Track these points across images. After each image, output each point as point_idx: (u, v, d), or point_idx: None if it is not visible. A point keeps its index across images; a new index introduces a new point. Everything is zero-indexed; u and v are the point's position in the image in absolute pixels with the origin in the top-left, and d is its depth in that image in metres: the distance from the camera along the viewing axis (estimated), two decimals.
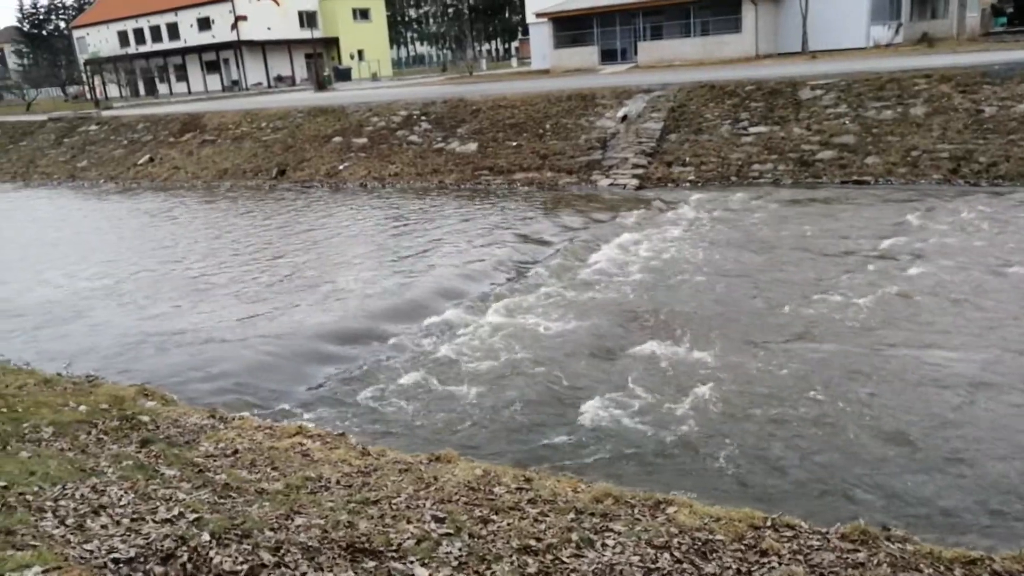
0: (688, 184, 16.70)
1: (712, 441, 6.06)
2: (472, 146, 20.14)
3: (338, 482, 4.81)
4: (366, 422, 6.82)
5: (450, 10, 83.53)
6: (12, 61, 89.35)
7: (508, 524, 4.06)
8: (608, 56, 35.58)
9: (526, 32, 49.33)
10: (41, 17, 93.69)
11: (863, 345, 7.73)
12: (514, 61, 59.39)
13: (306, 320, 9.41)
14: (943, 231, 11.63)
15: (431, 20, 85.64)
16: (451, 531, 3.97)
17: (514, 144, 19.69)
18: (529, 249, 12.38)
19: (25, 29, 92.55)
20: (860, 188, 15.12)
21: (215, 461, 5.16)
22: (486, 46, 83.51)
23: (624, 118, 19.14)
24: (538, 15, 37.43)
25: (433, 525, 4.04)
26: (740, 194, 15.32)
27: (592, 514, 4.19)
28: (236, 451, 5.39)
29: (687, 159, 17.42)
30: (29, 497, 3.87)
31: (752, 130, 17.51)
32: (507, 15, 77.51)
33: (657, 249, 11.87)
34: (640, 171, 17.41)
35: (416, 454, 5.43)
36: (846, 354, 7.53)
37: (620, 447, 6.08)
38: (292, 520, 4.09)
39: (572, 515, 4.17)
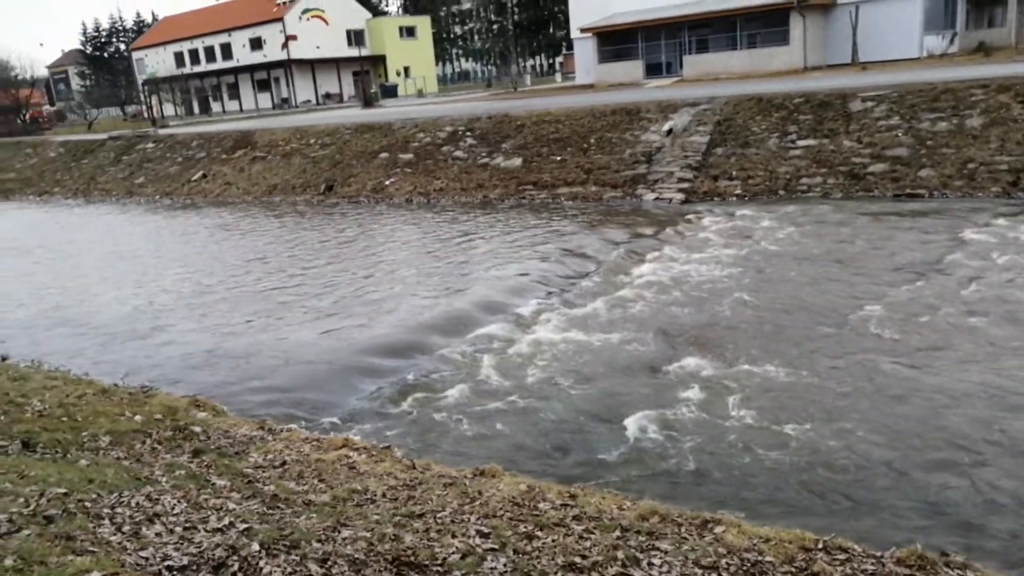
0: (735, 198, 16.51)
1: (760, 460, 5.95)
2: (516, 161, 20.24)
3: (384, 495, 4.84)
4: (411, 435, 6.86)
5: (495, 27, 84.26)
6: (75, 82, 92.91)
7: (553, 540, 4.04)
8: (653, 70, 35.47)
9: (570, 47, 49.51)
10: (103, 40, 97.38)
11: (915, 364, 7.52)
12: (558, 76, 59.61)
13: (352, 333, 9.53)
14: (1001, 247, 11.27)
15: (476, 37, 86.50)
16: (496, 546, 3.96)
17: (558, 159, 19.73)
18: (573, 263, 12.37)
19: (88, 52, 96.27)
20: (914, 201, 14.75)
21: (264, 472, 5.25)
22: (530, 62, 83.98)
23: (670, 132, 19.04)
24: (582, 30, 37.54)
25: (478, 540, 4.04)
26: (788, 208, 15.08)
27: (638, 532, 4.14)
28: (284, 463, 5.47)
29: (734, 173, 17.23)
30: (88, 504, 3.98)
31: (800, 143, 17.25)
32: (551, 31, 77.88)
33: (703, 264, 11.74)
34: (686, 185, 17.28)
35: (461, 468, 5.44)
36: (897, 373, 7.33)
37: (666, 464, 6.01)
38: (339, 532, 4.13)
39: (618, 532, 4.13)
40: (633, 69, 35.65)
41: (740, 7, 31.96)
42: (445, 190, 20.27)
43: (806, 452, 6.01)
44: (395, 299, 10.99)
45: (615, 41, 36.40)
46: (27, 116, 61.07)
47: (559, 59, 74.27)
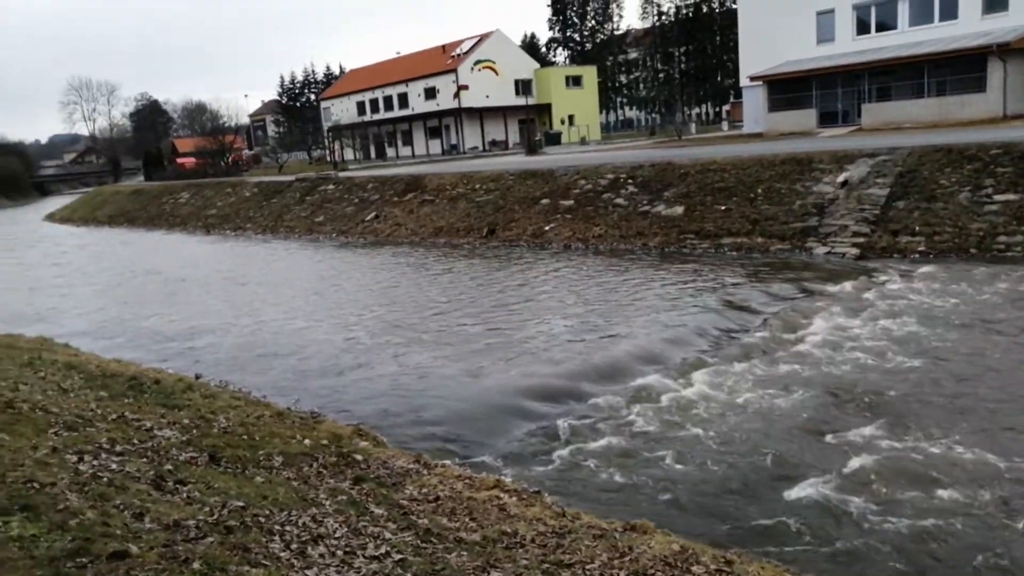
0: (917, 255, 15.30)
1: (941, 543, 5.37)
2: (678, 209, 19.95)
3: (533, 540, 4.82)
4: (561, 481, 6.81)
5: (661, 75, 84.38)
6: (271, 129, 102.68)
7: None
8: (827, 119, 33.95)
9: (738, 95, 48.53)
10: (297, 91, 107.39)
11: None
12: (724, 124, 58.51)
13: (507, 374, 9.67)
14: None
15: (641, 85, 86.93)
16: None
17: (722, 208, 19.24)
18: (736, 317, 11.92)
19: (283, 102, 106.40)
20: None
21: (418, 505, 5.39)
22: (696, 110, 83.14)
23: (844, 183, 18.06)
24: (752, 78, 36.71)
25: None
26: (981, 269, 13.76)
27: None
28: (438, 498, 5.60)
29: (917, 228, 16.00)
30: (262, 519, 4.26)
31: (998, 198, 15.76)
32: (719, 79, 76.88)
33: (879, 325, 10.92)
34: (861, 240, 16.25)
35: (611, 521, 5.33)
36: None
37: (831, 539, 5.56)
38: (488, 573, 4.15)
39: None
40: (805, 118, 34.30)
41: (928, 53, 30.00)
42: (604, 237, 20.31)
43: (995, 539, 5.35)
44: (550, 343, 11.06)
45: (787, 89, 35.27)
46: (230, 159, 68.10)
47: (726, 107, 73.00)
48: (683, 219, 19.54)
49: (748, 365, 9.54)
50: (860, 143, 21.57)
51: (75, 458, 4.69)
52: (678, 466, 6.93)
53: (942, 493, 6.05)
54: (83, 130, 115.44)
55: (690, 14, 79.96)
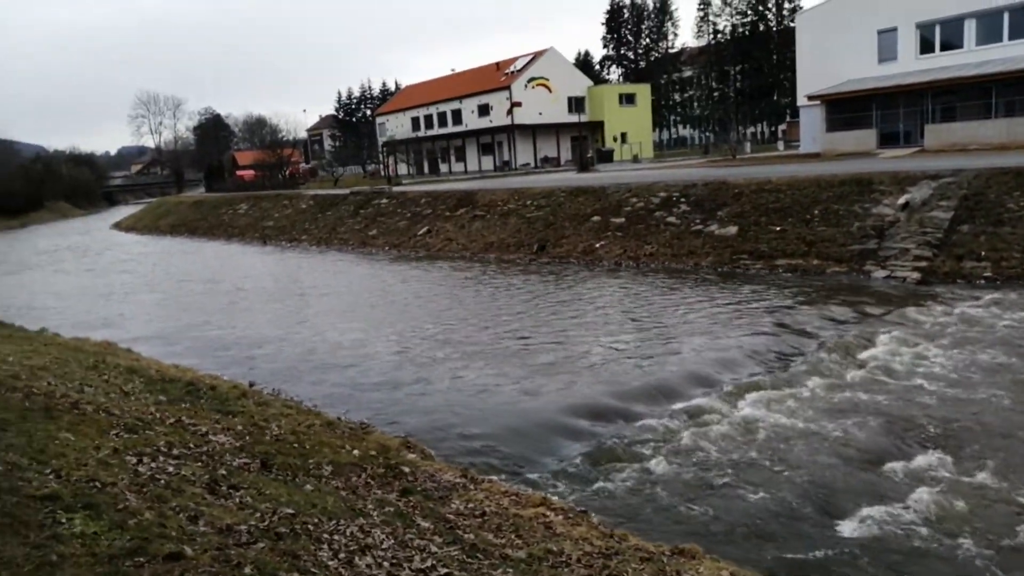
0: (983, 281, 14.78)
1: None
2: (732, 229, 19.68)
3: (579, 560, 4.77)
4: (608, 501, 6.74)
5: (715, 94, 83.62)
6: (327, 143, 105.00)
7: None
8: (888, 139, 33.14)
9: (795, 115, 47.74)
10: (353, 106, 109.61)
11: None
12: (780, 144, 57.60)
13: (555, 392, 9.64)
14: None
15: (695, 104, 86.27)
16: None
17: (777, 229, 18.91)
18: (790, 340, 11.67)
19: (340, 117, 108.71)
20: None
21: (464, 520, 5.39)
22: (751, 129, 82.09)
23: (905, 205, 17.59)
24: (810, 97, 36.10)
25: None
26: None
27: None
28: (484, 513, 5.59)
29: (983, 253, 15.47)
30: (311, 527, 4.31)
31: None
32: (775, 98, 75.80)
33: (941, 352, 10.56)
34: (923, 264, 15.77)
35: (659, 544, 5.24)
36: None
37: (887, 573, 5.37)
38: None
39: None
40: (865, 138, 33.55)
41: (997, 72, 29.08)
42: (655, 255, 20.15)
43: None
44: (600, 362, 10.99)
45: (846, 109, 34.57)
46: (287, 172, 69.79)
47: (782, 127, 71.92)
48: (737, 239, 19.26)
49: (803, 390, 9.32)
50: (922, 164, 21.00)
51: (134, 459, 4.82)
52: (729, 491, 6.79)
53: (1007, 531, 5.80)
54: (149, 142, 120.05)
55: (746, 32, 79.16)
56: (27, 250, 42.07)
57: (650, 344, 11.90)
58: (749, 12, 79.34)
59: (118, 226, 57.75)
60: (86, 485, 4.03)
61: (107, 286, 24.22)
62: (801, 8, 71.95)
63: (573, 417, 8.72)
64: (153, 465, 4.80)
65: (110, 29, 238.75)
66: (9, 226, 65.82)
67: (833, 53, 36.00)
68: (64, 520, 3.49)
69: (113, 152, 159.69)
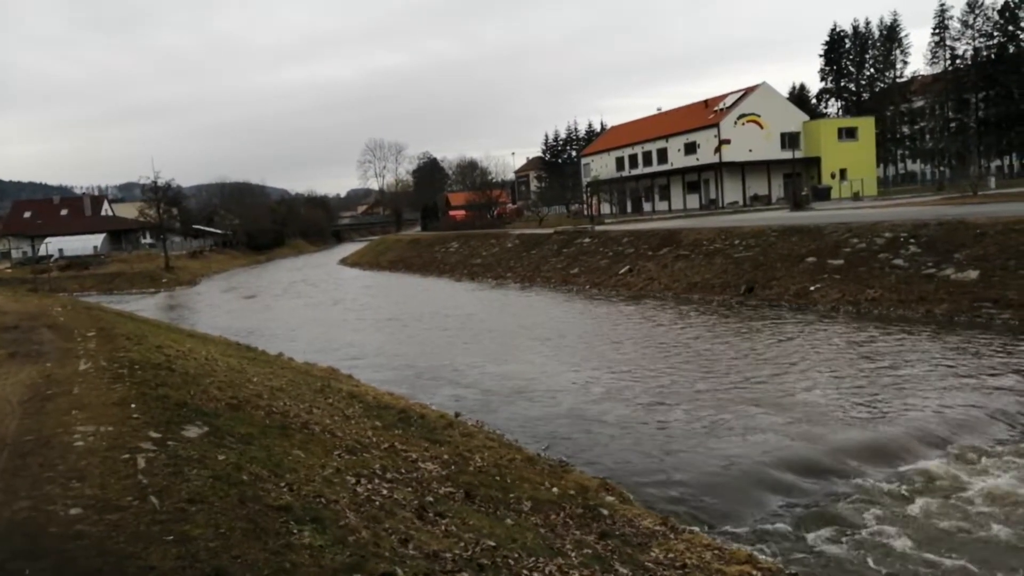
0: None
1: None
2: (972, 274, 17.64)
3: None
4: (817, 566, 6.21)
5: (952, 124, 75.97)
6: (533, 184, 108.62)
7: None
8: None
9: None
10: (559, 148, 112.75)
11: None
12: None
13: (765, 443, 9.11)
14: None
15: (927, 136, 78.85)
16: None
17: None
18: None
19: (546, 158, 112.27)
20: None
21: (664, 570, 5.22)
22: (995, 162, 73.47)
23: None
24: None
25: None
26: None
27: None
28: (685, 565, 5.38)
29: None
30: (511, 561, 4.39)
31: None
32: None
33: None
34: None
35: None
36: None
37: None
38: None
39: None
40: None
41: None
42: (879, 300, 18.53)
43: None
44: (813, 413, 10.24)
45: None
46: (495, 212, 73.06)
47: None
48: (978, 284, 17.21)
49: None
50: None
51: (354, 480, 5.21)
52: (958, 568, 5.99)
53: None
54: (374, 185, 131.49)
55: (992, 55, 71.35)
56: (270, 283, 47.49)
57: (873, 396, 10.89)
58: (996, 33, 71.59)
59: (344, 261, 63.53)
60: (314, 500, 4.41)
61: (335, 317, 26.67)
62: None
63: (780, 469, 8.17)
64: (369, 487, 5.15)
65: (339, 84, 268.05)
66: (257, 260, 75.15)
67: None
68: (296, 531, 3.83)
69: (343, 194, 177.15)
